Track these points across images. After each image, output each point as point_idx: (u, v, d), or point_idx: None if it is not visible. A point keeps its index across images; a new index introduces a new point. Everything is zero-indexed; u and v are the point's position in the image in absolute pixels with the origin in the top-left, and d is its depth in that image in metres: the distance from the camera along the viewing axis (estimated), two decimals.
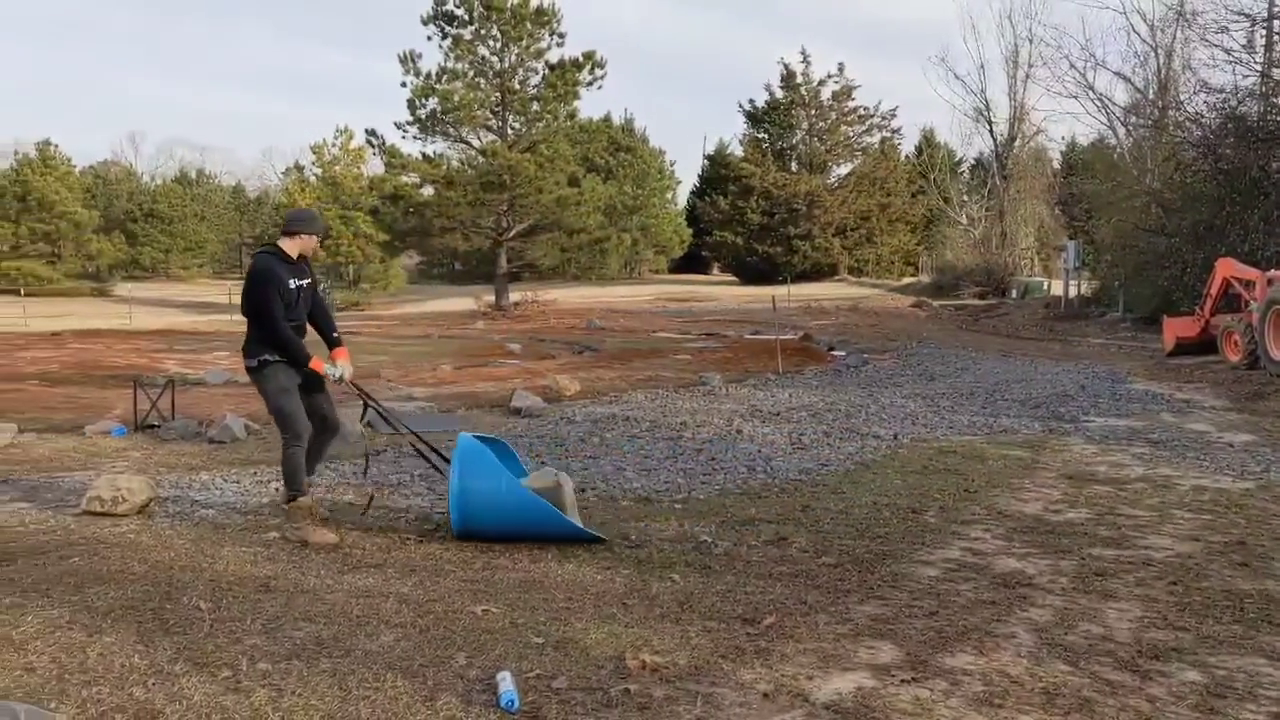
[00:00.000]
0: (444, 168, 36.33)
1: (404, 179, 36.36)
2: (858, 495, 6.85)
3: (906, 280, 52.52)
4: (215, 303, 36.86)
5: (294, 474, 5.96)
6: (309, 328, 6.15)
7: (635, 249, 61.38)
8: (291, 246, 6.01)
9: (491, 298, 37.91)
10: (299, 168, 67.42)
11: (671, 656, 3.87)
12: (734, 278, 57.57)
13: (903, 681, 3.69)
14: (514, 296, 38.15)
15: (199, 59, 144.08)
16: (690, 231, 64.79)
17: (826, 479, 7.43)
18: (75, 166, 66.98)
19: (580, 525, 5.65)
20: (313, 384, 6.05)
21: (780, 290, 24.49)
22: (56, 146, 62.20)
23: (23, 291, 45.99)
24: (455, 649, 3.92)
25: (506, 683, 3.49)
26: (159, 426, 9.90)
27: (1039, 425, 10.14)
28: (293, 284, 5.89)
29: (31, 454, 8.42)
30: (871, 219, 55.33)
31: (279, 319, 5.79)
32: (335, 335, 6.24)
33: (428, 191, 36.57)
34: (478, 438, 5.76)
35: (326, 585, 4.71)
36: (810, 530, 5.87)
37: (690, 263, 67.82)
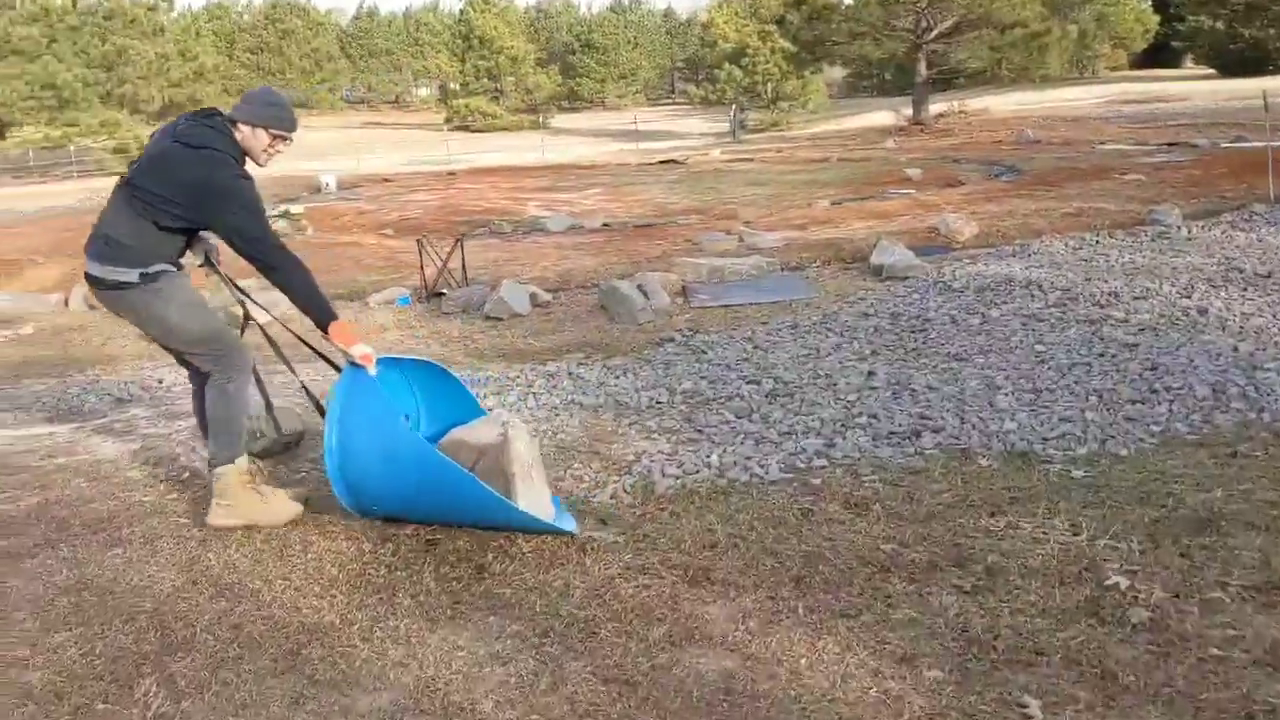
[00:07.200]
0: None
1: None
2: None
3: None
4: (644, 130, 37.15)
5: None
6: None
7: (1085, 42, 53.19)
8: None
9: (910, 110, 34.03)
10: None
11: None
12: (1212, 71, 48.19)
13: None
14: (936, 108, 33.95)
15: None
16: (1157, 20, 55.15)
17: None
18: (517, 2, 70.40)
19: (524, 509, 3.17)
20: None
21: (1274, 83, 18.96)
22: None
23: (447, 129, 48.79)
24: None
25: None
26: (445, 294, 8.43)
27: None
28: None
29: (285, 338, 7.13)
30: None
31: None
32: None
33: None
34: (392, 361, 3.78)
35: None
36: None
37: (1156, 55, 57.86)
